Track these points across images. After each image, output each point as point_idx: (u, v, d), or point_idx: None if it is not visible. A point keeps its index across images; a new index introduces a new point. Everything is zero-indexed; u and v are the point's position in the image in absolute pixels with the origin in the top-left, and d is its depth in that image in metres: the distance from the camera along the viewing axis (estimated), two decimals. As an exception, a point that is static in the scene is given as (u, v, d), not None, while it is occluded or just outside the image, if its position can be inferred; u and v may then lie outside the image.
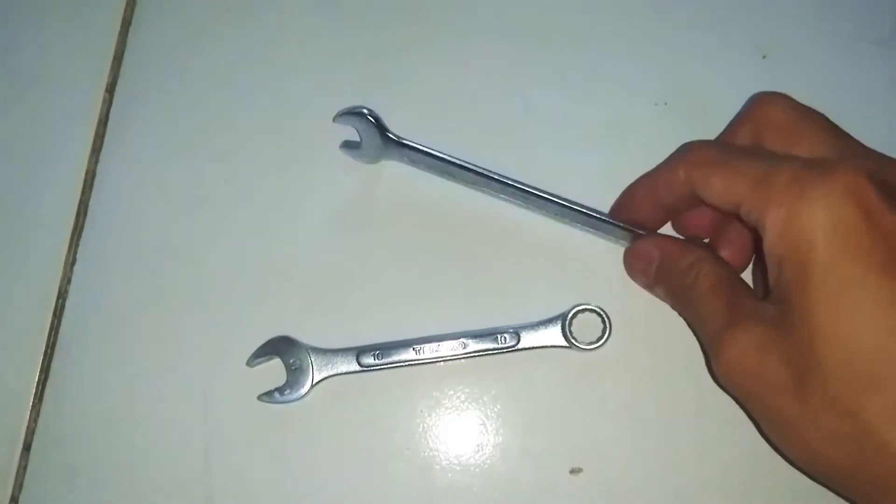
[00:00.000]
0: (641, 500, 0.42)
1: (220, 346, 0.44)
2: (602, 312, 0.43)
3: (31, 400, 0.44)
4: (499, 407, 0.43)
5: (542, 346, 0.43)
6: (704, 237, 0.43)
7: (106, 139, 0.47)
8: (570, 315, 0.43)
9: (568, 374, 0.43)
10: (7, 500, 0.43)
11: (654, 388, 0.43)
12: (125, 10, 0.49)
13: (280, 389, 0.43)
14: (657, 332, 0.43)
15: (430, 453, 0.43)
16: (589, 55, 0.48)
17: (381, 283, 0.45)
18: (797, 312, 0.31)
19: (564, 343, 0.43)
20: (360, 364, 0.43)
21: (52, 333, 0.45)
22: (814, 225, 0.31)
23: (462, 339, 0.43)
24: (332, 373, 0.43)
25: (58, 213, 0.46)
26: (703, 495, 0.42)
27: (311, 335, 0.44)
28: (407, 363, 0.43)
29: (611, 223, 0.42)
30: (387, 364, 0.43)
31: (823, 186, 0.31)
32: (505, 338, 0.43)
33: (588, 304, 0.43)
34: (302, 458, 0.43)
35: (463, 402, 0.43)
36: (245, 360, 0.43)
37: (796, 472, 0.38)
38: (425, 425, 0.43)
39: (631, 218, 0.42)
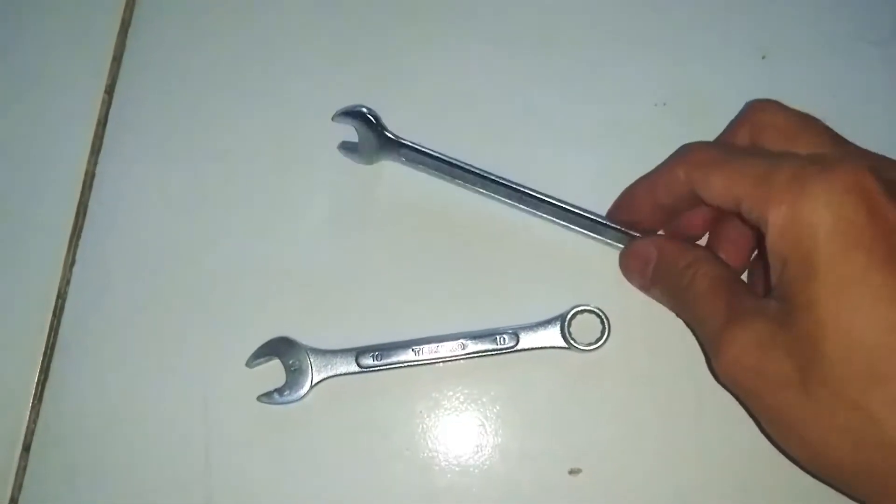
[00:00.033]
0: (641, 501, 0.42)
1: (220, 346, 0.44)
2: (601, 313, 0.43)
3: (31, 400, 0.44)
4: (498, 408, 0.43)
5: (541, 347, 0.43)
6: (700, 239, 0.43)
7: (105, 140, 0.47)
8: (568, 316, 0.43)
9: (567, 375, 0.43)
10: (6, 501, 0.43)
11: (652, 389, 0.43)
12: (124, 11, 0.49)
13: (279, 390, 0.43)
14: (656, 333, 0.43)
15: (430, 454, 0.43)
16: (588, 56, 0.48)
17: (380, 283, 0.45)
18: (801, 308, 0.31)
19: (563, 344, 0.43)
20: (359, 365, 0.43)
21: (52, 334, 0.45)
22: (816, 221, 0.31)
23: (461, 340, 0.43)
24: (331, 374, 0.43)
25: (57, 213, 0.46)
26: (702, 495, 0.42)
27: (310, 336, 0.44)
28: (406, 364, 0.43)
29: (607, 225, 0.42)
30: (386, 365, 0.43)
31: (825, 182, 0.31)
32: (504, 339, 0.43)
33: (587, 305, 0.43)
34: (301, 458, 0.43)
35: (462, 402, 0.43)
36: (244, 361, 0.43)
37: (796, 471, 0.38)
38: (424, 426, 0.43)
39: (628, 220, 0.42)
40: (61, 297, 0.45)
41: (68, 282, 0.45)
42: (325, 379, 0.43)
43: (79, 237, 0.46)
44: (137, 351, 0.44)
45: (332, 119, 0.44)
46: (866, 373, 0.30)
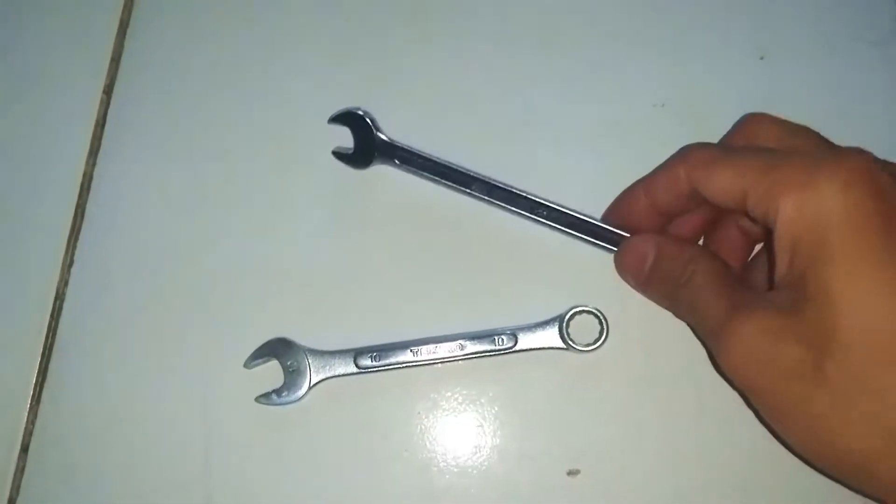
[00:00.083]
0: (639, 502, 0.42)
1: (218, 347, 0.44)
2: (599, 314, 0.43)
3: (29, 401, 0.44)
4: (496, 408, 0.43)
5: (540, 348, 0.43)
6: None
7: (103, 141, 0.47)
8: (567, 317, 0.43)
9: (565, 376, 0.43)
10: (4, 502, 0.43)
11: (651, 390, 0.43)
12: (123, 12, 0.49)
13: (278, 391, 0.43)
14: (654, 334, 0.43)
15: (428, 455, 0.43)
16: (587, 56, 0.48)
17: (378, 284, 0.45)
18: (813, 294, 0.31)
19: (562, 345, 0.43)
20: (357, 366, 0.43)
21: (50, 335, 0.45)
22: (828, 207, 0.31)
23: (459, 341, 0.43)
24: (329, 375, 0.43)
25: (55, 214, 0.46)
26: (701, 496, 0.42)
27: (308, 337, 0.44)
28: (404, 365, 0.43)
29: (602, 228, 0.42)
30: (384, 366, 0.43)
31: (836, 170, 0.31)
32: (502, 339, 0.43)
33: (585, 306, 0.43)
34: (300, 459, 0.43)
35: (460, 403, 0.43)
36: (243, 362, 0.43)
37: (795, 472, 0.38)
38: (423, 427, 0.43)
39: (624, 223, 0.42)
40: (59, 297, 0.45)
41: (66, 282, 0.45)
42: (323, 380, 0.43)
43: (77, 238, 0.46)
44: (136, 352, 0.44)
45: (329, 122, 0.45)
46: (886, 357, 0.29)
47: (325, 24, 0.49)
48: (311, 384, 0.43)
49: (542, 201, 0.43)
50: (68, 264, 0.46)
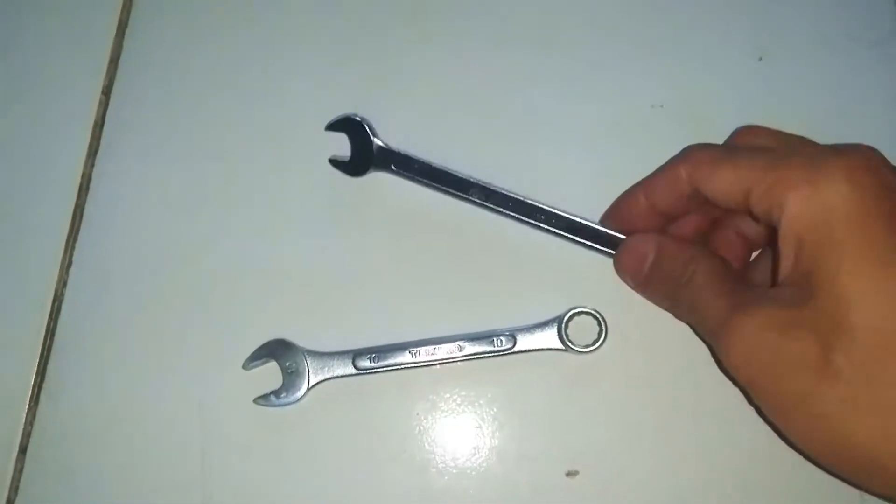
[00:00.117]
0: (638, 503, 0.42)
1: (217, 349, 0.44)
2: (598, 315, 0.43)
3: (27, 403, 0.44)
4: (495, 410, 0.43)
5: (538, 349, 0.43)
6: None
7: (102, 142, 0.47)
8: (565, 318, 0.43)
9: (564, 377, 0.43)
10: (3, 503, 0.43)
11: (650, 391, 0.43)
12: (121, 13, 0.49)
13: (276, 393, 0.43)
14: (653, 335, 0.43)
15: (427, 456, 0.43)
16: (586, 57, 0.48)
17: (377, 286, 0.45)
18: (822, 286, 0.31)
19: (560, 346, 0.43)
20: (356, 367, 0.43)
21: (48, 336, 0.45)
22: (835, 200, 0.31)
23: (458, 342, 0.43)
24: (328, 376, 0.43)
25: (54, 215, 0.46)
26: (699, 497, 0.42)
27: (307, 338, 0.44)
28: (403, 366, 0.43)
29: (600, 231, 0.42)
30: (383, 367, 0.43)
31: (840, 164, 0.31)
32: (501, 340, 0.43)
33: (584, 307, 0.43)
34: (298, 461, 0.43)
35: (459, 404, 0.43)
36: (241, 364, 0.43)
37: (795, 473, 0.38)
38: (422, 428, 0.43)
39: (623, 225, 0.42)
40: (58, 298, 0.45)
41: (65, 283, 0.45)
42: (321, 381, 0.43)
43: (75, 239, 0.46)
44: (134, 353, 0.44)
45: (326, 129, 0.45)
46: None
47: (323, 25, 0.49)
48: (310, 385, 0.43)
49: (541, 205, 0.43)
50: (67, 265, 0.46)
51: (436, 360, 0.42)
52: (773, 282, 0.34)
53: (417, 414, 0.43)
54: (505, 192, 0.43)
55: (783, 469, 0.41)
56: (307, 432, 0.43)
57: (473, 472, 0.43)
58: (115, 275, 0.45)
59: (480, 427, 0.43)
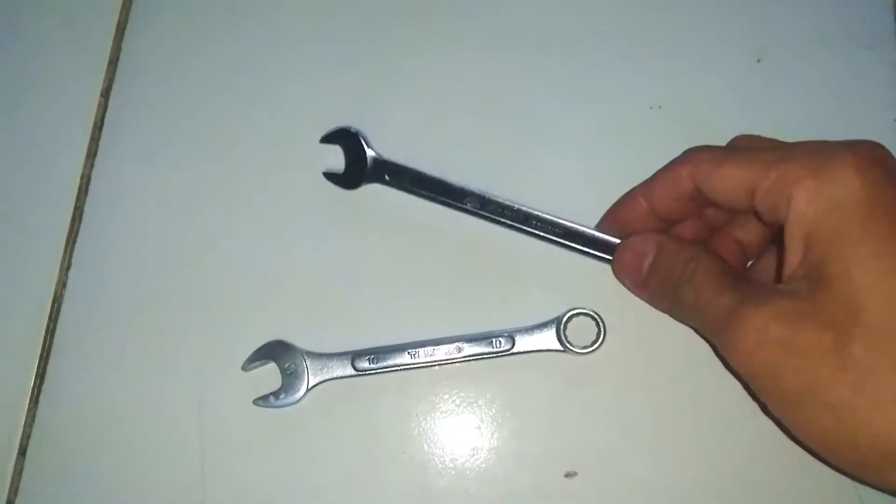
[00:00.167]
0: (637, 503, 0.42)
1: (216, 350, 0.44)
2: (596, 316, 0.43)
3: (27, 404, 0.44)
4: (494, 410, 0.43)
5: (537, 350, 0.43)
6: None
7: (101, 143, 0.47)
8: (564, 319, 0.43)
9: (563, 378, 0.43)
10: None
11: (648, 392, 0.43)
12: (120, 15, 0.49)
13: (275, 394, 0.43)
14: (652, 336, 0.43)
15: (426, 457, 0.43)
16: (584, 59, 0.48)
17: (376, 287, 0.45)
18: (832, 278, 0.31)
19: (559, 347, 0.43)
20: (355, 368, 0.43)
21: (48, 337, 0.45)
22: (844, 192, 0.31)
23: (457, 343, 0.43)
24: (327, 377, 0.43)
25: (53, 217, 0.46)
26: (698, 498, 0.42)
27: (306, 339, 0.44)
28: (402, 367, 0.43)
29: (598, 237, 0.42)
30: (382, 368, 0.43)
31: (847, 156, 0.31)
32: (500, 341, 0.43)
33: (582, 308, 0.43)
34: (297, 462, 0.43)
35: (458, 405, 0.43)
36: (240, 365, 0.43)
37: (794, 474, 0.38)
38: (421, 429, 0.43)
39: (622, 229, 0.42)
40: (57, 300, 0.45)
41: (64, 285, 0.45)
42: (321, 382, 0.43)
43: (75, 240, 0.46)
44: (133, 354, 0.44)
45: (320, 142, 0.45)
46: None
47: (322, 25, 0.49)
48: (309, 387, 0.43)
49: (537, 213, 0.43)
50: (66, 267, 0.46)
51: (435, 362, 0.42)
52: (777, 279, 0.34)
53: (416, 415, 0.43)
54: (501, 201, 0.43)
55: (782, 469, 0.41)
56: (306, 433, 0.43)
57: (472, 473, 0.43)
58: (114, 276, 0.45)
59: (479, 428, 0.43)
